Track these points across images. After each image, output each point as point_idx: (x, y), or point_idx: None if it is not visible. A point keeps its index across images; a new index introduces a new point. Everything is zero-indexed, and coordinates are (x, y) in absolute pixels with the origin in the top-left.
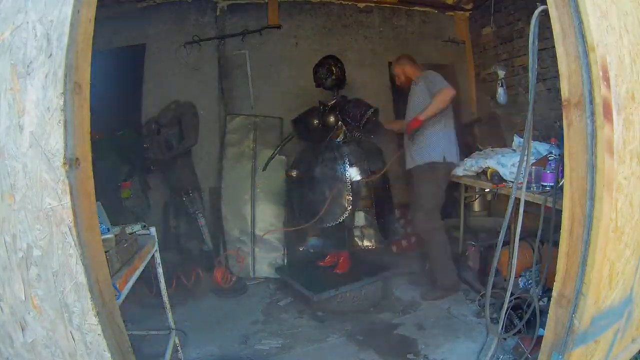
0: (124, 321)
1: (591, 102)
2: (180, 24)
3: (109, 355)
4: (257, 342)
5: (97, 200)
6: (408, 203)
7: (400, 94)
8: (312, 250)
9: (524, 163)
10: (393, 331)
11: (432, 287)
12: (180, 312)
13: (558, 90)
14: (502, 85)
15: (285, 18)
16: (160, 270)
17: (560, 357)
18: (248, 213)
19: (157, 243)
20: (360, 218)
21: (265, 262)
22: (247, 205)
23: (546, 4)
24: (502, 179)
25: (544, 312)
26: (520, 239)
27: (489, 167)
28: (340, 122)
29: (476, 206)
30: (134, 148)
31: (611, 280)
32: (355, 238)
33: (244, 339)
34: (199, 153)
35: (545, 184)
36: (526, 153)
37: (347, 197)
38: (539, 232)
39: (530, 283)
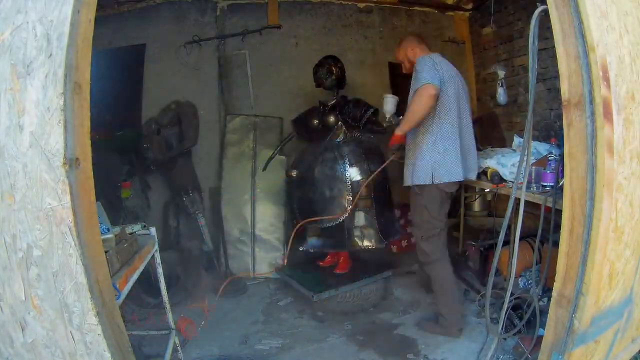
0: (124, 321)
1: (591, 102)
2: (180, 24)
3: (109, 355)
4: (257, 342)
5: (97, 200)
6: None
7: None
8: (312, 250)
9: (524, 163)
10: (393, 331)
11: (434, 319)
12: (180, 312)
13: (558, 90)
14: (502, 85)
15: (285, 18)
16: (160, 270)
17: (560, 357)
18: (248, 213)
19: (157, 243)
20: (360, 218)
21: (265, 262)
22: (247, 205)
23: (546, 4)
24: (502, 179)
25: (544, 312)
26: (520, 239)
27: (489, 167)
28: (340, 122)
29: (476, 206)
30: (134, 148)
31: (611, 280)
32: (355, 238)
33: (244, 339)
34: (199, 153)
35: (545, 184)
36: (526, 153)
37: (347, 197)
38: (539, 232)
39: (530, 283)
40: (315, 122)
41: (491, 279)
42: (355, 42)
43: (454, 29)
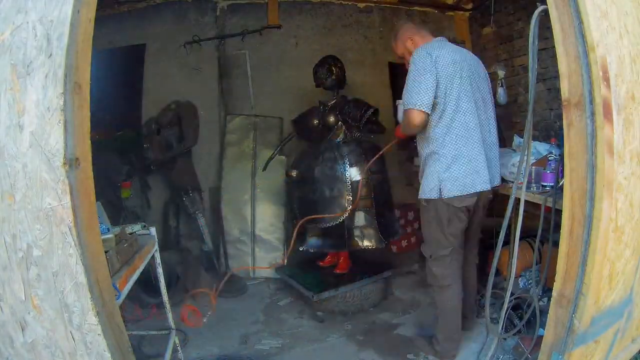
0: (123, 321)
1: (591, 102)
2: (180, 24)
3: (109, 355)
4: (257, 342)
5: (97, 200)
6: (408, 203)
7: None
8: (312, 250)
9: (524, 163)
10: (393, 331)
11: (432, 337)
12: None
13: (558, 90)
14: (502, 85)
15: (285, 18)
16: (160, 270)
17: (560, 357)
18: (248, 213)
19: (157, 243)
20: (360, 218)
21: (265, 262)
22: (247, 205)
23: (546, 4)
24: (502, 179)
25: (544, 312)
26: (520, 239)
27: None
28: (340, 122)
29: None
30: (134, 148)
31: (611, 280)
32: (355, 238)
33: (244, 339)
34: (199, 153)
35: (545, 184)
36: (526, 153)
37: (347, 197)
38: (539, 232)
39: (530, 283)
40: (315, 122)
41: (491, 279)
42: (355, 42)
43: (454, 29)
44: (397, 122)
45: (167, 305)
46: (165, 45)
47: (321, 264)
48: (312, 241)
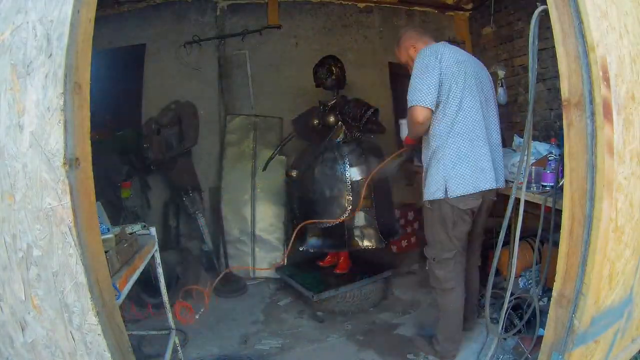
0: (123, 321)
1: (591, 102)
2: (180, 24)
3: (109, 355)
4: (257, 342)
5: (97, 200)
6: (408, 203)
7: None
8: (312, 250)
9: (524, 163)
10: (393, 331)
11: (432, 337)
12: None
13: (558, 90)
14: (502, 85)
15: (285, 18)
16: (160, 270)
17: (560, 357)
18: (248, 213)
19: (157, 243)
20: (360, 218)
21: (265, 262)
22: (247, 205)
23: (546, 4)
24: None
25: (544, 312)
26: (520, 239)
27: None
28: (340, 122)
29: None
30: (134, 148)
31: (611, 280)
32: (355, 238)
33: (244, 339)
34: (199, 153)
35: (545, 184)
36: (526, 153)
37: (347, 197)
38: (539, 232)
39: (530, 283)
40: (315, 122)
41: (491, 279)
42: (355, 42)
43: (454, 29)
44: (399, 135)
45: (167, 305)
46: (165, 45)
47: (321, 264)
48: (312, 241)
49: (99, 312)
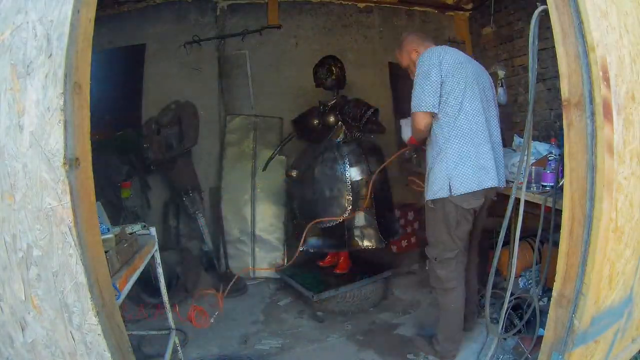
0: (123, 321)
1: (591, 102)
2: (180, 24)
3: (109, 355)
4: (257, 342)
5: (97, 200)
6: (408, 203)
7: (400, 92)
8: (312, 250)
9: (524, 163)
10: (393, 331)
11: (432, 337)
12: (180, 312)
13: (558, 90)
14: (502, 85)
15: (285, 18)
16: (160, 270)
17: (560, 357)
18: (248, 213)
19: (157, 243)
20: (360, 218)
21: (265, 262)
22: (247, 205)
23: (546, 4)
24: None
25: (544, 312)
26: (520, 239)
27: None
28: (340, 122)
29: None
30: (134, 148)
31: (611, 280)
32: (355, 238)
33: (244, 338)
34: (199, 153)
35: (545, 184)
36: (526, 153)
37: (347, 197)
38: (539, 232)
39: (530, 283)
40: (315, 122)
41: (491, 279)
42: (355, 42)
43: (454, 29)
44: (399, 135)
45: (167, 305)
46: (165, 45)
47: (321, 264)
48: (312, 241)
49: (99, 312)
